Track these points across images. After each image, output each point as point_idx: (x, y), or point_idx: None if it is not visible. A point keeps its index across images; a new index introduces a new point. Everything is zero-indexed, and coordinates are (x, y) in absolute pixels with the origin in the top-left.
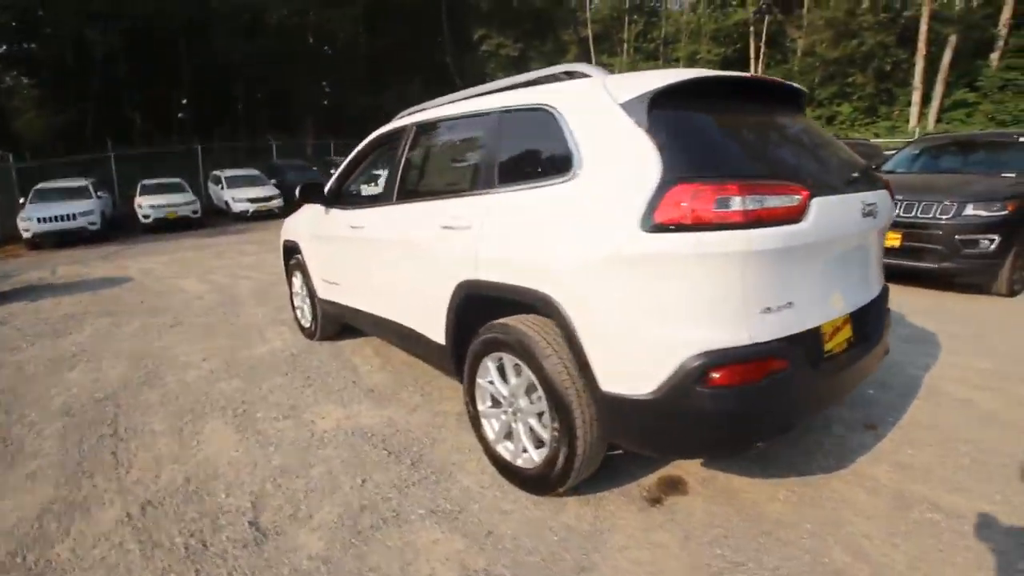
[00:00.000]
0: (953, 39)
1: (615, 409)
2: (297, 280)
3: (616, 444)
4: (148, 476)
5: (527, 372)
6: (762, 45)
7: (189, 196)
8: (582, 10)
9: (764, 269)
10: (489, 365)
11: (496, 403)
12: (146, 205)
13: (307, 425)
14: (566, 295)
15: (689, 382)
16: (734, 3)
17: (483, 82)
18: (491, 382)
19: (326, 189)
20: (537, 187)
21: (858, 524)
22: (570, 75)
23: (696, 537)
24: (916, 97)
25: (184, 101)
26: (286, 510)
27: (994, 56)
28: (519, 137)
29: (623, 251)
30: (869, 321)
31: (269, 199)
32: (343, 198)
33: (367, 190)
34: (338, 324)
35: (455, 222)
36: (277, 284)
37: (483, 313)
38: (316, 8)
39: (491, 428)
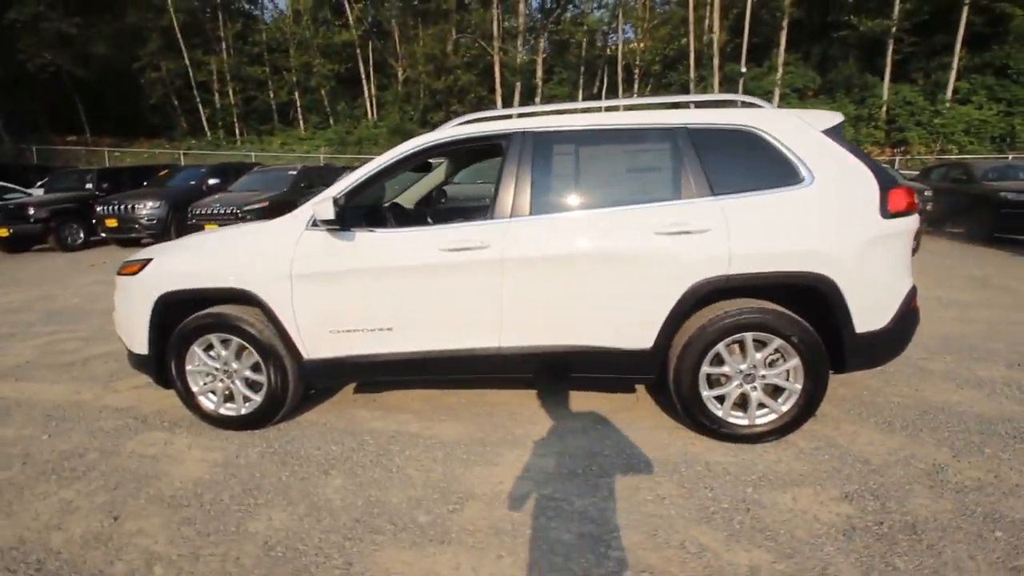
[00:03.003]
0: (519, 84)
1: (867, 343)
2: (223, 350)
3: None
4: None
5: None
6: (371, 68)
7: None
8: None
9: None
10: (722, 350)
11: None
12: None
13: None
14: (839, 269)
15: (904, 310)
16: (338, 23)
17: None
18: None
19: (331, 206)
20: (774, 192)
21: None
22: (745, 104)
23: None
24: None
25: None
26: None
27: (538, 99)
28: (723, 151)
29: (876, 232)
30: None
31: None
32: (382, 219)
33: (444, 205)
34: (329, 382)
35: (684, 227)
36: None
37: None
38: None
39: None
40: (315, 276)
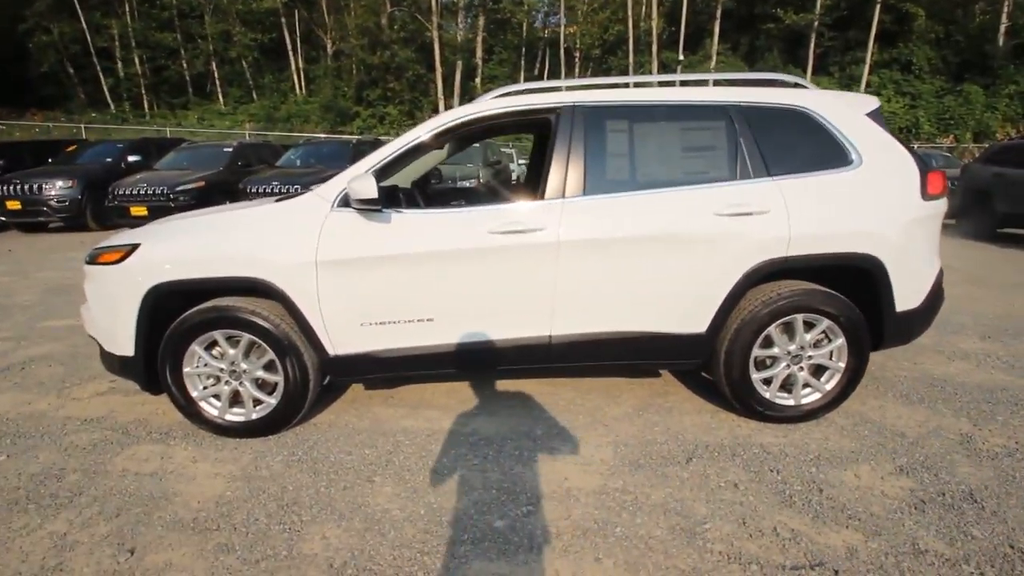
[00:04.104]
0: (460, 63)
1: (904, 321)
2: (230, 348)
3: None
4: None
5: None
6: (298, 40)
7: None
8: None
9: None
10: (772, 332)
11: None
12: None
13: None
14: (887, 250)
15: (935, 289)
16: None
17: None
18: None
19: (373, 184)
20: (826, 173)
21: None
22: (795, 83)
23: None
24: (441, 106)
25: None
26: None
27: (478, 80)
28: (777, 130)
29: (918, 213)
30: None
31: None
32: (413, 199)
33: (481, 183)
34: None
35: (745, 208)
36: None
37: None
38: None
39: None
40: (346, 263)
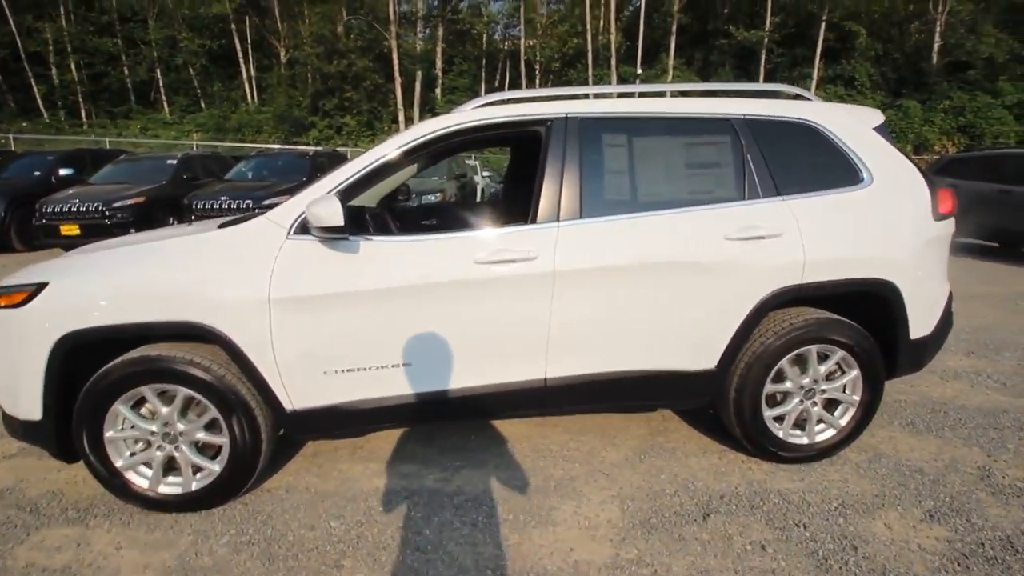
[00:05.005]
0: (420, 73)
1: (918, 349)
2: (163, 405)
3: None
4: None
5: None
6: (249, 47)
7: None
8: None
9: None
10: (785, 365)
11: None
12: None
13: None
14: (902, 274)
15: (946, 313)
16: None
17: None
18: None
19: (338, 208)
20: (836, 192)
21: None
22: (796, 95)
23: None
24: (401, 117)
25: None
26: None
27: (439, 90)
28: (784, 146)
29: (931, 234)
30: None
31: None
32: (383, 223)
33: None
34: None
35: (757, 231)
36: None
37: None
38: None
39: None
40: (305, 300)
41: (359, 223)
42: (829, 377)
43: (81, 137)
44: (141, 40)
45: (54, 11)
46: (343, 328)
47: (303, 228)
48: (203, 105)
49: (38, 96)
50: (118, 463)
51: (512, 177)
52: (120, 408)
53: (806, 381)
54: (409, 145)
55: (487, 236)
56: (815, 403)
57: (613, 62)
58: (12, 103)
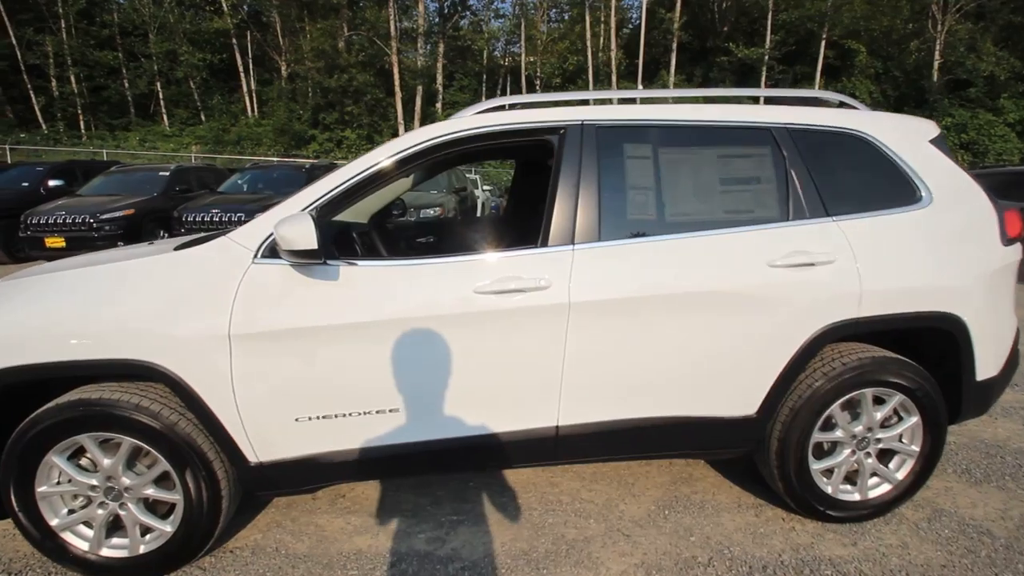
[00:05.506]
0: (420, 88)
1: (984, 391)
2: (105, 456)
3: None
4: None
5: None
6: (250, 61)
7: None
8: None
9: None
10: (836, 411)
11: (886, 456)
12: None
13: None
14: (969, 307)
15: (1013, 352)
16: (209, 8)
17: None
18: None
19: (311, 228)
20: (893, 213)
21: None
22: (840, 102)
23: None
24: (401, 131)
25: None
26: None
27: (439, 105)
28: (831, 159)
29: (999, 262)
30: None
31: None
32: (370, 244)
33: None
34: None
35: (806, 257)
36: None
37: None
38: None
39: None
40: (273, 336)
41: (343, 243)
42: (885, 424)
43: (79, 149)
44: (142, 54)
45: (55, 24)
46: (318, 368)
47: (273, 251)
48: (203, 117)
49: (37, 108)
50: (53, 522)
51: (518, 193)
52: (55, 459)
53: (859, 429)
54: (399, 155)
55: (490, 261)
56: (869, 454)
57: (614, 79)
58: (10, 114)
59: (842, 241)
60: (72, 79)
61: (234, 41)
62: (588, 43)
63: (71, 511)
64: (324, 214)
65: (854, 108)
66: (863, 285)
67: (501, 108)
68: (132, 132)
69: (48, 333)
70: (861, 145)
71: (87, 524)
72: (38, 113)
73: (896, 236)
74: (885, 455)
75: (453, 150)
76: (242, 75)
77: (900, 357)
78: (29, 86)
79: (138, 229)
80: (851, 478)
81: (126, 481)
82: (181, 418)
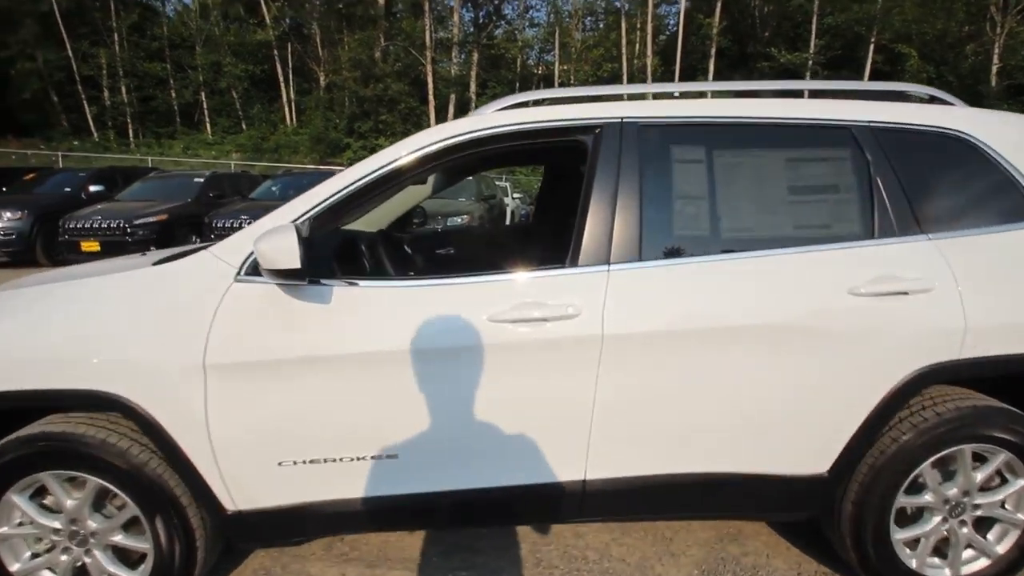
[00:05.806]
0: (453, 96)
1: None
2: (67, 497)
3: None
4: None
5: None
6: (291, 72)
7: None
8: None
9: None
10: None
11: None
12: None
13: None
14: None
15: None
16: (253, 21)
17: None
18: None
19: (294, 244)
20: (1005, 231)
21: None
22: (930, 97)
23: None
24: None
25: None
26: None
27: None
28: (926, 165)
29: None
30: None
31: None
32: (376, 260)
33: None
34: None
35: (897, 284)
36: None
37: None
38: None
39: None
40: (254, 367)
41: (348, 256)
42: (985, 487)
43: (127, 156)
44: (188, 65)
45: (109, 37)
46: (306, 406)
47: (257, 267)
48: (244, 126)
49: (90, 116)
50: (13, 567)
51: (546, 203)
52: (14, 498)
53: (953, 492)
54: (409, 157)
55: (509, 282)
56: (963, 522)
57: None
58: (65, 123)
59: (941, 264)
60: (123, 89)
61: (275, 52)
62: (623, 50)
63: (35, 555)
64: (324, 223)
65: (949, 104)
66: (967, 319)
67: (525, 105)
68: (177, 140)
69: (11, 359)
70: (962, 148)
71: (51, 570)
72: (91, 122)
73: (1007, 259)
74: (982, 523)
75: (470, 152)
76: (282, 85)
77: (1009, 408)
78: (83, 96)
79: (171, 234)
80: (940, 549)
81: (92, 525)
82: (152, 457)
